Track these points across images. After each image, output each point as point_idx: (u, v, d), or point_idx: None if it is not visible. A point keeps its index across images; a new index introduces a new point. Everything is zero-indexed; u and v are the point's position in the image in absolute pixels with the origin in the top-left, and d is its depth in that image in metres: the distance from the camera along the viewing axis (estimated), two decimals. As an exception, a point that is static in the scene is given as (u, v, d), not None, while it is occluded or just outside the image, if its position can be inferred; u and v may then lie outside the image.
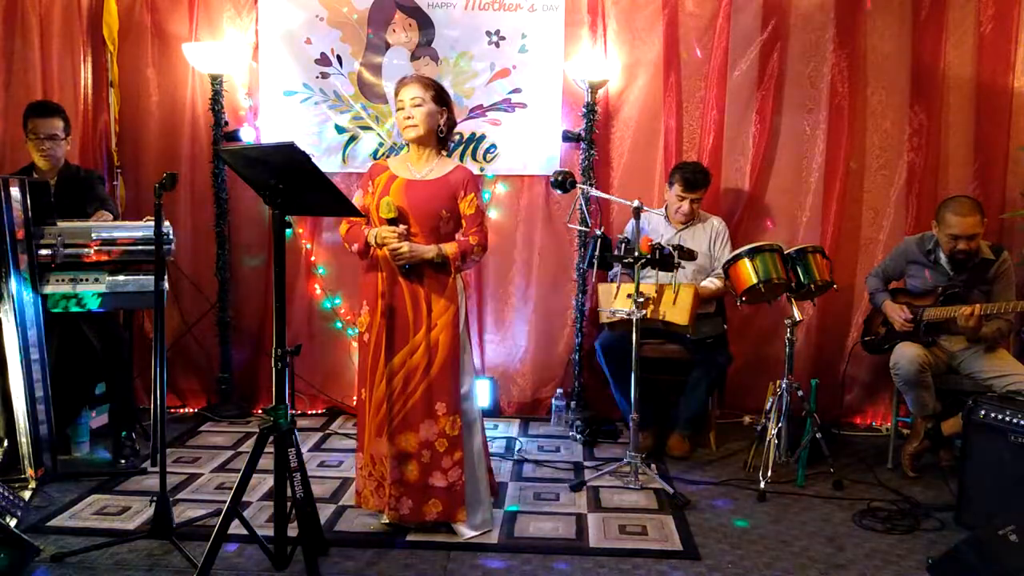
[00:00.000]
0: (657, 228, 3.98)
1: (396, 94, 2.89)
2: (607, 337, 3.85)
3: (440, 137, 2.92)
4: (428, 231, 2.84)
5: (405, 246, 2.76)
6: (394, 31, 4.29)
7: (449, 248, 2.84)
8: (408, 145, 2.94)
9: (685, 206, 3.89)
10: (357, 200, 2.93)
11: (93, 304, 3.35)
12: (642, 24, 4.26)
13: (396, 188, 2.84)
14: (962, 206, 3.43)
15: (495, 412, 4.40)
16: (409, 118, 2.83)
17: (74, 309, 3.35)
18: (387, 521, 2.91)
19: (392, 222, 2.79)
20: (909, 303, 3.61)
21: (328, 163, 4.27)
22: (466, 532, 2.88)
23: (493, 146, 4.31)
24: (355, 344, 4.44)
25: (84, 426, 3.78)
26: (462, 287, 2.96)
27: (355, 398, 4.44)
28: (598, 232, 3.34)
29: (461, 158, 4.29)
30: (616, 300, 3.57)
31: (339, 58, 4.30)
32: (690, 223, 3.98)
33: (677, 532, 2.94)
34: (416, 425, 2.84)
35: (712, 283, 3.83)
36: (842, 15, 4.16)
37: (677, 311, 3.49)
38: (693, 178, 3.87)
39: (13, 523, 2.71)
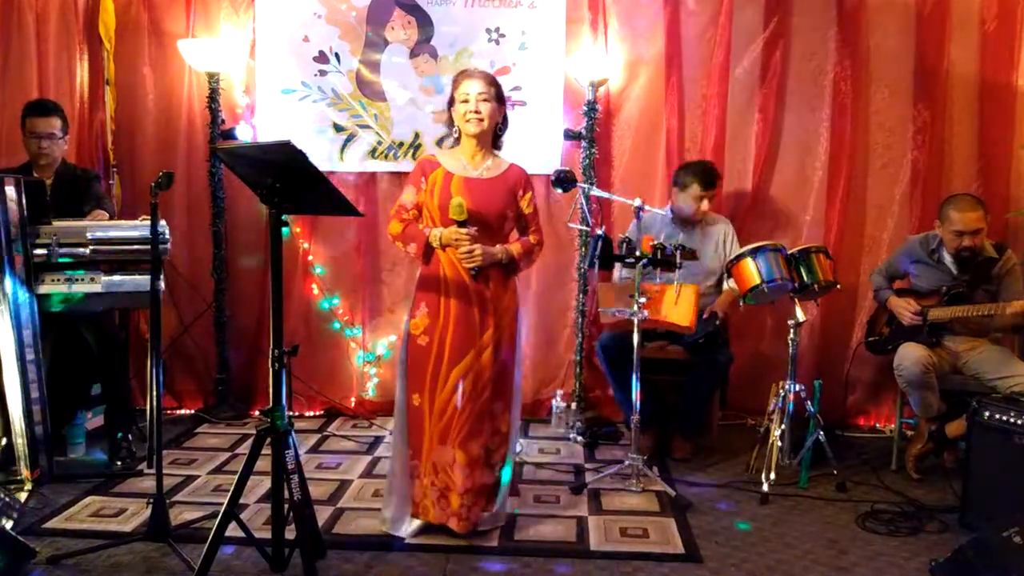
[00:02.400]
0: (662, 230, 3.93)
1: (457, 85, 2.84)
2: (608, 338, 3.82)
3: (496, 134, 2.92)
4: (494, 231, 2.83)
5: (478, 249, 2.74)
6: (393, 28, 4.26)
7: (515, 248, 2.86)
8: (460, 140, 2.90)
9: (705, 204, 3.85)
10: (409, 197, 2.90)
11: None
12: (643, 21, 4.23)
13: (458, 187, 2.80)
14: (964, 202, 3.43)
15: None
16: (476, 112, 2.79)
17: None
18: (458, 532, 2.82)
19: (461, 224, 2.74)
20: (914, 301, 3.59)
21: (326, 161, 4.23)
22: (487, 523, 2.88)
23: (493, 145, 4.27)
24: (353, 345, 4.43)
25: (80, 427, 3.75)
26: (517, 287, 2.97)
27: (353, 399, 4.44)
28: (599, 232, 3.32)
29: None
30: (617, 300, 3.54)
31: (337, 56, 4.27)
32: (698, 224, 3.95)
33: (679, 535, 2.92)
34: (484, 429, 2.82)
35: (732, 290, 3.78)
36: (845, 13, 4.14)
37: (678, 311, 3.46)
38: (710, 175, 3.86)
39: (9, 525, 2.68)
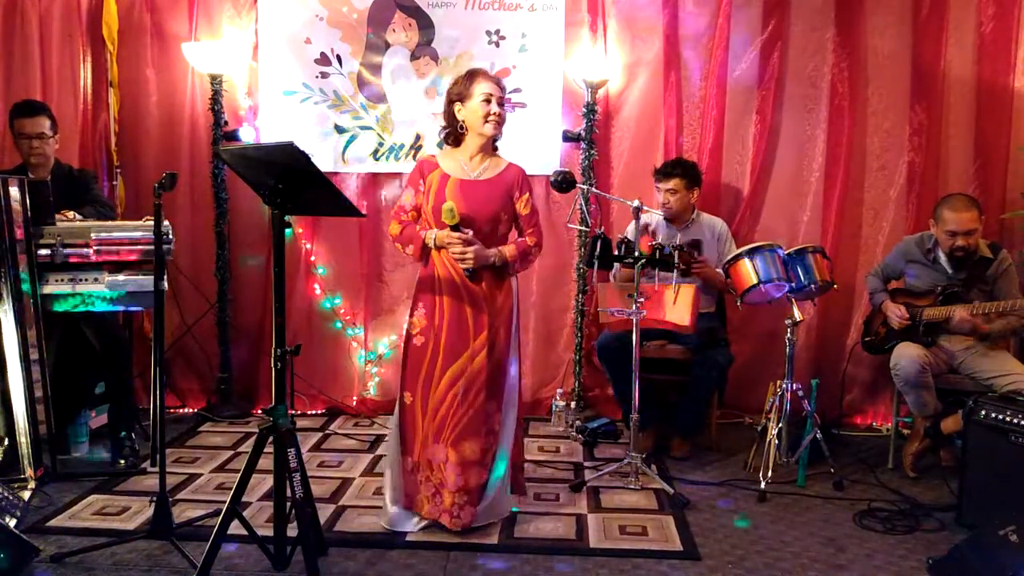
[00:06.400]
0: (658, 230, 3.97)
1: (474, 82, 2.82)
2: (607, 337, 3.85)
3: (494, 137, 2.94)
4: (488, 233, 2.84)
5: (471, 252, 2.75)
6: (394, 31, 4.29)
7: (508, 251, 2.86)
8: (463, 140, 2.89)
9: (659, 197, 3.89)
10: (408, 199, 2.92)
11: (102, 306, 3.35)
12: (642, 23, 4.26)
13: (452, 190, 2.82)
14: (959, 202, 3.45)
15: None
16: (499, 115, 2.82)
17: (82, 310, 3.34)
18: (450, 530, 2.85)
19: (454, 228, 2.76)
20: (909, 303, 3.61)
21: (327, 163, 4.26)
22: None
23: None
24: (355, 344, 4.46)
25: (83, 426, 3.77)
26: (516, 286, 2.97)
27: (354, 398, 4.46)
28: (598, 232, 3.34)
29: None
30: (616, 300, 3.57)
31: (339, 58, 4.30)
32: (690, 224, 3.97)
33: (677, 532, 2.94)
34: (480, 430, 2.84)
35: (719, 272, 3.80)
36: (842, 15, 4.16)
37: (677, 311, 3.49)
38: (665, 168, 3.90)
39: (13, 523, 2.70)
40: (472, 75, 2.86)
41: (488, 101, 2.80)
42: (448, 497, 2.83)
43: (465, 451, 2.83)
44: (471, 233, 2.77)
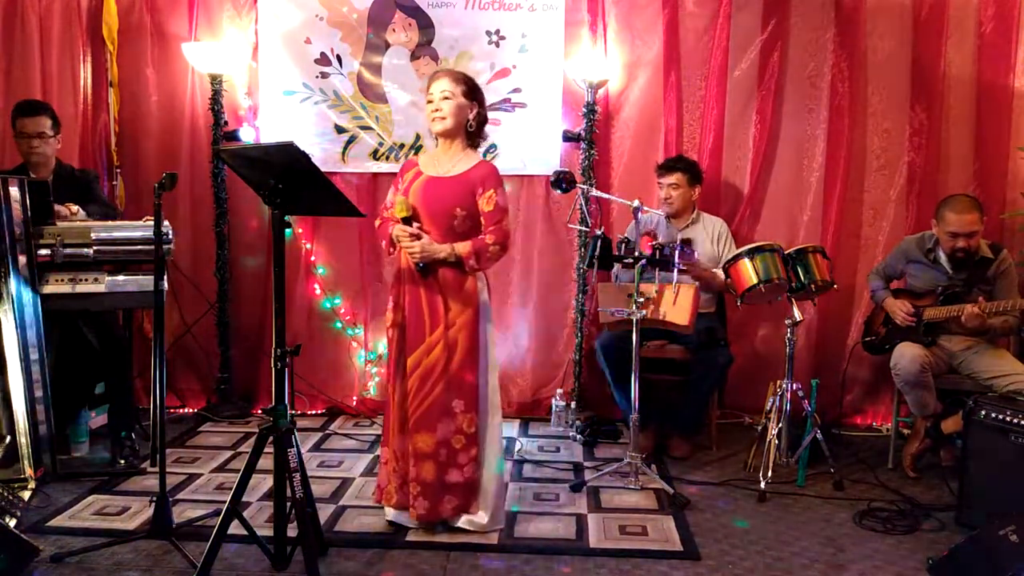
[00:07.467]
0: (658, 230, 3.97)
1: (427, 89, 2.89)
2: (607, 337, 3.85)
3: (469, 132, 2.91)
4: (443, 230, 2.83)
5: (417, 245, 2.77)
6: (394, 31, 4.29)
7: (462, 248, 2.81)
8: (438, 140, 2.93)
9: (662, 192, 3.92)
10: (389, 196, 2.98)
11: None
12: (642, 23, 4.26)
13: (416, 186, 2.84)
14: (960, 204, 3.45)
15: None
16: (437, 111, 2.82)
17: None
18: (413, 521, 2.88)
19: (406, 221, 2.79)
20: (910, 303, 3.61)
21: (328, 163, 4.26)
22: (468, 524, 2.87)
23: (493, 146, 4.30)
24: (355, 344, 4.46)
25: (83, 426, 3.77)
26: (483, 285, 2.94)
27: (355, 398, 4.47)
28: (598, 232, 3.34)
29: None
30: (616, 300, 3.57)
31: (339, 58, 4.30)
32: (690, 223, 3.98)
33: (677, 532, 2.94)
34: (433, 425, 2.82)
35: (716, 273, 3.81)
36: (842, 15, 4.16)
37: (677, 311, 3.49)
38: (666, 163, 3.94)
39: (12, 523, 2.71)
40: (427, 81, 2.92)
41: (431, 101, 2.84)
42: (411, 487, 2.85)
43: (419, 442, 2.82)
44: (416, 226, 2.79)
